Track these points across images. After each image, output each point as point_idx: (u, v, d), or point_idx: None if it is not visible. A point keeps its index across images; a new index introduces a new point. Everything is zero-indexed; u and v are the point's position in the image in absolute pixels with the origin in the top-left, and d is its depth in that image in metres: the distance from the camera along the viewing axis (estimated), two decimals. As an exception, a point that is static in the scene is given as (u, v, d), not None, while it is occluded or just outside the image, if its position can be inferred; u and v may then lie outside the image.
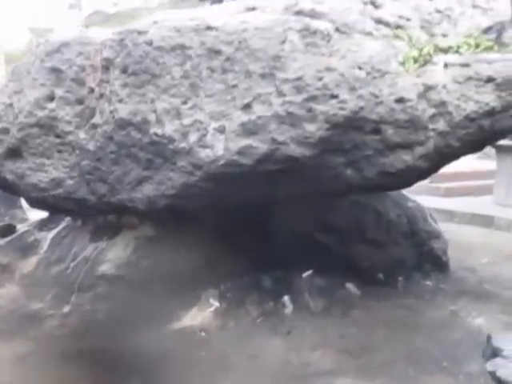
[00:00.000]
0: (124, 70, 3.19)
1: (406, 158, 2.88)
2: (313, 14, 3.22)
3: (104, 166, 3.23)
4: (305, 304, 4.02)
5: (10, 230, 5.01)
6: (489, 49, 3.19)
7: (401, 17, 3.56)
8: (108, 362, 3.20)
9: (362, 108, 2.78)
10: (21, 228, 4.99)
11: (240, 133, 2.82)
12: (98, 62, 3.34)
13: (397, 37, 3.33)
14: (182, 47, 3.07)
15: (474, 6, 3.76)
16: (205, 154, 2.85)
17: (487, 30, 3.68)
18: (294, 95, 2.84)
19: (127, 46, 3.21)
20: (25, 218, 6.79)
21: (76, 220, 4.60)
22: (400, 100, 2.83)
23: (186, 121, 2.94)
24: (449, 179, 7.87)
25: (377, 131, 2.83)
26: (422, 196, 7.22)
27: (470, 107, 2.87)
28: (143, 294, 3.93)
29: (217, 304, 3.96)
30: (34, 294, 4.18)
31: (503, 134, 3.13)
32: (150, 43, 3.14)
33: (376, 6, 3.63)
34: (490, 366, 1.57)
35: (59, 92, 3.33)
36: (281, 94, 2.85)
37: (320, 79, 2.85)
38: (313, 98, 2.82)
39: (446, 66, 2.99)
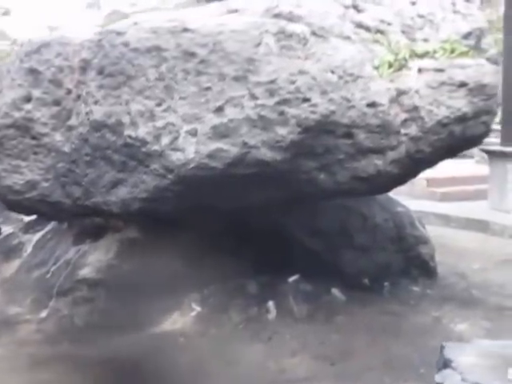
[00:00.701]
0: (100, 72, 3.18)
1: (378, 162, 2.85)
2: (291, 17, 3.20)
3: (79, 168, 3.22)
4: (289, 309, 3.99)
5: (-8, 232, 5.01)
6: (464, 54, 3.15)
7: (382, 21, 3.54)
8: (81, 367, 3.18)
9: (333, 112, 2.75)
10: (6, 230, 4.99)
11: (211, 136, 2.80)
12: (75, 63, 3.34)
13: (376, 41, 3.31)
14: (158, 49, 3.06)
15: (455, 12, 3.74)
16: (176, 157, 2.83)
17: (467, 36, 3.65)
18: (266, 98, 2.81)
19: (104, 47, 3.20)
20: (19, 219, 6.79)
21: (62, 223, 4.60)
22: (372, 104, 2.80)
23: (159, 123, 2.92)
24: (445, 184, 7.81)
25: (348, 135, 2.81)
26: (418, 200, 7.21)
27: (443, 112, 2.85)
28: (124, 298, 3.91)
29: (199, 309, 3.94)
30: (13, 299, 4.16)
31: (474, 141, 3.10)
32: (126, 44, 3.13)
33: (358, 10, 3.62)
34: (438, 377, 1.53)
35: (36, 93, 3.33)
36: (253, 97, 2.82)
37: (293, 82, 2.82)
38: (285, 102, 2.79)
39: (420, 70, 2.97)
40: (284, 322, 3.82)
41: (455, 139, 2.93)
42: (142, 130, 2.96)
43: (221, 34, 2.99)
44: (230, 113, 2.81)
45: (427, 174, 4.49)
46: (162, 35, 3.09)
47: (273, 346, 3.50)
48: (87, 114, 3.18)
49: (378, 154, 2.84)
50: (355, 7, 3.66)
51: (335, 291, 4.18)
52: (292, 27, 3.09)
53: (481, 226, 6.53)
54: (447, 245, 5.90)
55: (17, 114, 3.32)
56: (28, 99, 3.34)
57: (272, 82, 2.84)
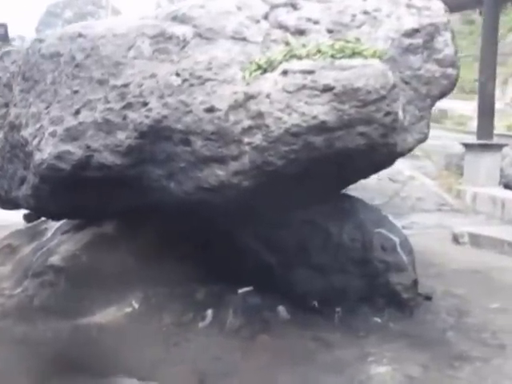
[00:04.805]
0: (22, 77, 3.47)
1: (220, 173, 2.63)
2: (183, 19, 3.12)
3: (4, 164, 3.54)
4: (223, 321, 3.87)
5: (34, 216, 5.64)
6: (359, 54, 2.74)
7: (309, 20, 3.27)
8: (5, 341, 3.49)
9: (165, 117, 2.63)
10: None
11: (64, 138, 2.88)
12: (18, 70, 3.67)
13: (283, 42, 3.06)
14: (58, 55, 3.23)
15: (409, 6, 3.27)
16: (37, 156, 2.97)
17: (411, 34, 3.18)
18: (116, 102, 2.81)
19: (28, 53, 3.48)
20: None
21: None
22: (210, 109, 2.61)
23: (38, 125, 3.09)
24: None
25: (186, 142, 2.65)
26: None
27: (292, 120, 2.52)
28: (76, 287, 4.17)
29: (136, 307, 4.01)
30: (11, 275, 4.69)
31: (360, 154, 2.64)
32: (39, 51, 3.37)
33: (295, 8, 3.39)
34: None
35: (-5, 96, 3.75)
36: (106, 100, 2.84)
37: (140, 86, 2.77)
38: (129, 106, 2.76)
39: (285, 73, 2.66)
40: (206, 332, 3.72)
41: (320, 152, 2.57)
42: (28, 131, 3.17)
43: (102, 39, 3.06)
44: (84, 116, 2.86)
45: None
46: (63, 41, 3.26)
47: (168, 353, 3.43)
48: (9, 115, 3.48)
49: (219, 163, 2.63)
50: (293, 5, 3.42)
51: (281, 309, 3.92)
52: (173, 29, 3.02)
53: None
54: (487, 277, 5.11)
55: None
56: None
57: (125, 85, 2.82)
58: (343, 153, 2.58)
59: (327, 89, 2.53)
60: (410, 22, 3.17)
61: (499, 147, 8.68)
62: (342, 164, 2.71)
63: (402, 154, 2.94)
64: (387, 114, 2.61)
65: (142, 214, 4.21)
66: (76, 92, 2.96)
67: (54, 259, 4.39)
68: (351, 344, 3.55)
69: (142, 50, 2.91)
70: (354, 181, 3.31)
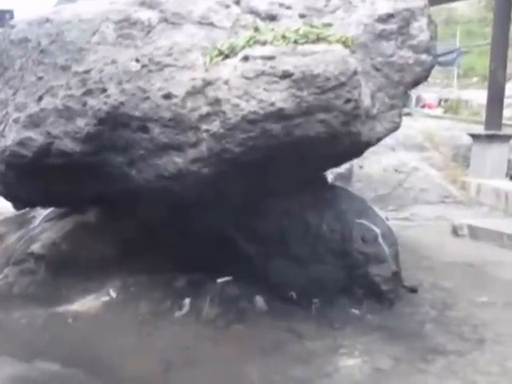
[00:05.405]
0: (-5, 64, 3.44)
1: (178, 160, 2.59)
2: (151, 4, 3.07)
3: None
4: (200, 310, 3.84)
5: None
6: (314, 41, 2.66)
7: (281, 5, 3.20)
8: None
9: (122, 103, 2.59)
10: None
11: (26, 124, 2.86)
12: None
13: (243, 26, 2.99)
14: (26, 40, 3.21)
15: (387, -10, 3.17)
16: (1, 143, 2.95)
17: (385, 19, 3.09)
18: (77, 89, 2.77)
19: (0, 40, 3.45)
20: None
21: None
22: (167, 96, 2.56)
23: (4, 111, 3.08)
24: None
25: (144, 129, 2.61)
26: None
27: (250, 107, 2.46)
28: (56, 275, 4.18)
29: (113, 295, 4.00)
30: (-5, 262, 4.72)
31: (322, 142, 2.57)
32: (9, 37, 3.34)
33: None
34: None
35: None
36: (68, 87, 2.81)
37: (101, 72, 2.73)
38: (89, 92, 2.72)
39: (246, 58, 2.59)
40: (181, 321, 3.69)
41: (278, 139, 2.51)
42: (-5, 117, 3.14)
43: (68, 24, 3.02)
44: (46, 102, 2.84)
45: None
46: (32, 27, 3.23)
47: (139, 341, 3.41)
48: (-17, 101, 3.47)
49: (177, 151, 2.58)
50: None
51: (259, 299, 3.88)
52: (139, 15, 2.98)
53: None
54: (480, 270, 5.00)
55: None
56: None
57: (86, 72, 2.79)
58: (304, 141, 2.52)
59: (286, 75, 2.46)
60: (385, 7, 3.08)
61: (507, 138, 8.48)
62: (305, 153, 2.65)
63: (370, 144, 2.86)
64: (347, 101, 2.53)
65: (124, 203, 4.20)
66: (40, 78, 2.93)
67: (35, 247, 4.40)
68: (325, 335, 3.50)
69: (105, 36, 2.87)
70: (321, 170, 3.24)
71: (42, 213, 5.34)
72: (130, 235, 4.30)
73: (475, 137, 8.62)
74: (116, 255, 4.22)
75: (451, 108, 14.44)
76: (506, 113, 9.43)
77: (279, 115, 2.44)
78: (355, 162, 8.56)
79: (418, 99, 14.76)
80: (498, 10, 8.69)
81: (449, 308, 4.02)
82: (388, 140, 8.95)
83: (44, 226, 4.60)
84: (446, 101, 14.70)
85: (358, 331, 3.54)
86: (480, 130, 8.93)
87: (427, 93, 16.05)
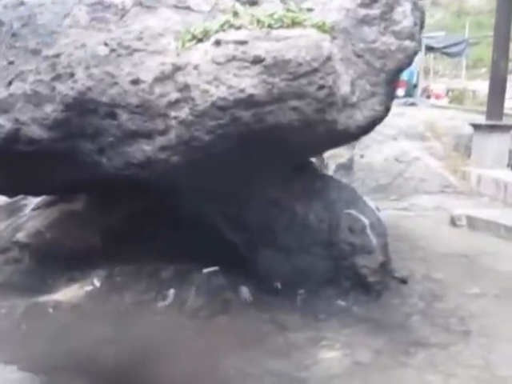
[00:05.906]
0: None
1: (147, 148, 2.51)
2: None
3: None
4: (184, 300, 3.79)
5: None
6: (298, 24, 2.56)
7: (263, -11, 3.08)
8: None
9: (89, 88, 2.51)
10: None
11: (-5, 110, 2.78)
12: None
13: (222, 11, 2.89)
14: (0, 24, 3.12)
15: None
16: (-28, 130, 2.88)
17: (368, 4, 2.98)
18: (46, 73, 2.70)
19: (-23, 24, 3.38)
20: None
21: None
22: (135, 81, 2.48)
23: (-21, 97, 3.00)
24: None
25: (112, 116, 2.53)
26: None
27: (219, 93, 2.37)
28: (40, 264, 4.13)
29: (97, 285, 3.95)
30: (-18, 250, 4.69)
31: (295, 130, 2.47)
32: (-15, 21, 3.26)
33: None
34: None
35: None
36: (37, 71, 2.73)
37: (70, 56, 2.65)
38: (58, 77, 2.65)
39: (218, 43, 2.50)
40: (165, 311, 3.65)
41: (249, 127, 2.43)
42: (-31, 104, 3.07)
43: (41, 6, 2.94)
44: (15, 87, 2.76)
45: None
46: (7, 9, 3.13)
47: (118, 332, 3.36)
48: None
49: (146, 138, 2.51)
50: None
51: (244, 290, 3.82)
52: (115, -3, 2.88)
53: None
54: (474, 261, 4.90)
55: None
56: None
57: (56, 56, 2.71)
58: (276, 129, 2.43)
59: (257, 60, 2.37)
60: (367, -10, 2.97)
61: (508, 128, 8.34)
62: (280, 141, 2.56)
63: (348, 132, 2.76)
64: (321, 87, 2.43)
65: (110, 192, 4.14)
66: (11, 63, 2.86)
67: (20, 235, 4.36)
68: (308, 327, 3.43)
69: (78, 19, 2.78)
70: (301, 158, 3.15)
71: (33, 201, 5.32)
72: (117, 225, 4.25)
73: (476, 127, 8.49)
74: (102, 245, 4.17)
75: (457, 98, 14.23)
76: (508, 103, 9.25)
77: (249, 102, 2.35)
78: (357, 151, 8.49)
79: (426, 89, 14.59)
80: (500, 0, 8.51)
81: (438, 299, 3.94)
82: (390, 129, 8.88)
83: (31, 214, 4.55)
84: (454, 91, 14.53)
85: (342, 323, 3.48)
86: (482, 120, 8.79)
87: (436, 83, 15.89)
